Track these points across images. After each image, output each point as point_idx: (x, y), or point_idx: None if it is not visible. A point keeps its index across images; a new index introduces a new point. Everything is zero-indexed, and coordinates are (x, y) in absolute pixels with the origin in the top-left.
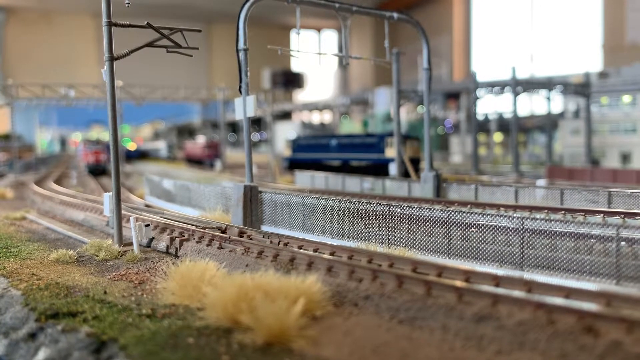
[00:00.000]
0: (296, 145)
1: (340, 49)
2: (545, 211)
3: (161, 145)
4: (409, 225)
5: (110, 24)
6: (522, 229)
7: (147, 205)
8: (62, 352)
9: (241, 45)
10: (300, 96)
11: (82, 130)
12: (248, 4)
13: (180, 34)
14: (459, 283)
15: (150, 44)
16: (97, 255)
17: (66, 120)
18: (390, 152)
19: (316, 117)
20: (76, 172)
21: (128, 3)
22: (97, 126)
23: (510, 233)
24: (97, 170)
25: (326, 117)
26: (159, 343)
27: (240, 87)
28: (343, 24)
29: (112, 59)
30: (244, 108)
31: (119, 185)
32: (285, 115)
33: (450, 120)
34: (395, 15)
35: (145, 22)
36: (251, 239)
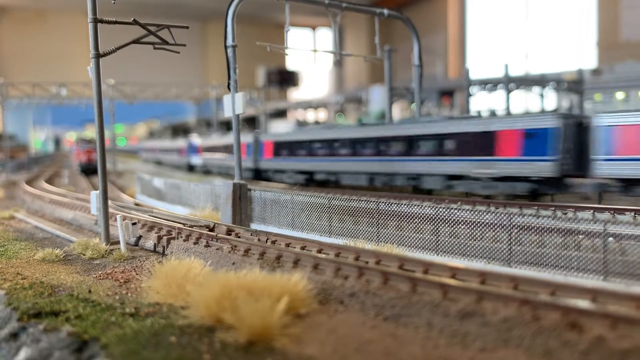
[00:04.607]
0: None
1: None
2: (535, 207)
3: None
4: (398, 222)
5: (95, 21)
6: (510, 225)
7: (136, 204)
8: (43, 352)
9: (229, 42)
10: (296, 94)
11: (76, 129)
12: (236, 1)
13: (168, 31)
14: (444, 280)
15: (136, 41)
16: (83, 254)
17: (60, 120)
18: None
19: (311, 116)
20: (68, 171)
21: (114, 1)
22: (92, 125)
23: (499, 229)
24: (89, 170)
25: (321, 115)
26: (140, 342)
27: (228, 84)
28: (333, 20)
29: (98, 55)
30: (232, 105)
31: (105, 183)
32: (281, 114)
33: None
34: (386, 11)
35: (132, 19)
36: (239, 237)
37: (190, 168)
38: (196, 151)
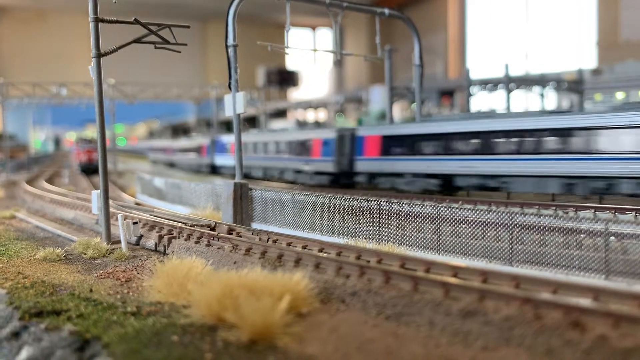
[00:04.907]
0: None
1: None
2: (537, 207)
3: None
4: (399, 221)
5: (96, 20)
6: (512, 224)
7: (137, 204)
8: (45, 351)
9: (230, 41)
10: (296, 94)
11: (76, 129)
12: (237, 1)
13: (169, 31)
14: (446, 278)
15: (137, 40)
16: (85, 254)
17: (60, 120)
18: None
19: (311, 115)
20: (68, 171)
21: (115, 1)
22: (92, 125)
23: (500, 228)
24: (89, 169)
25: (321, 115)
26: (142, 341)
27: (229, 83)
28: (334, 20)
29: (99, 55)
30: (233, 105)
31: (106, 182)
32: (280, 114)
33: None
34: (387, 11)
35: (133, 18)
36: (240, 237)
37: (213, 170)
38: (224, 150)
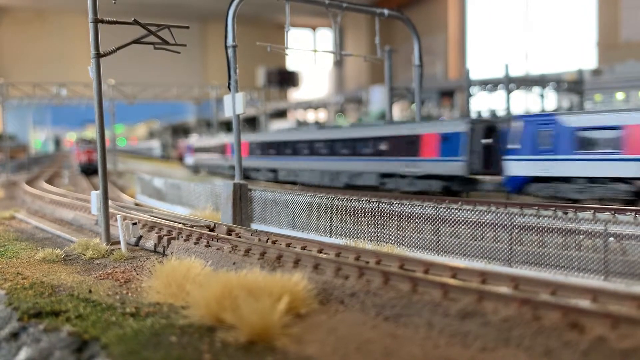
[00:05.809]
0: None
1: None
2: (536, 207)
3: (154, 145)
4: (398, 222)
5: (96, 21)
6: (511, 225)
7: (137, 204)
8: (44, 352)
9: (229, 42)
10: (296, 95)
11: (76, 130)
12: (236, 1)
13: (169, 31)
14: (444, 279)
15: (137, 41)
16: (84, 254)
17: (61, 120)
18: None
19: (311, 116)
20: (68, 172)
21: (115, 1)
22: (92, 126)
23: (499, 229)
24: (89, 170)
25: (321, 115)
26: (141, 342)
27: (229, 84)
28: (333, 20)
29: (99, 55)
30: (232, 105)
31: (106, 183)
32: (281, 114)
33: (445, 117)
34: (386, 11)
35: (132, 19)
36: (239, 237)
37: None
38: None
